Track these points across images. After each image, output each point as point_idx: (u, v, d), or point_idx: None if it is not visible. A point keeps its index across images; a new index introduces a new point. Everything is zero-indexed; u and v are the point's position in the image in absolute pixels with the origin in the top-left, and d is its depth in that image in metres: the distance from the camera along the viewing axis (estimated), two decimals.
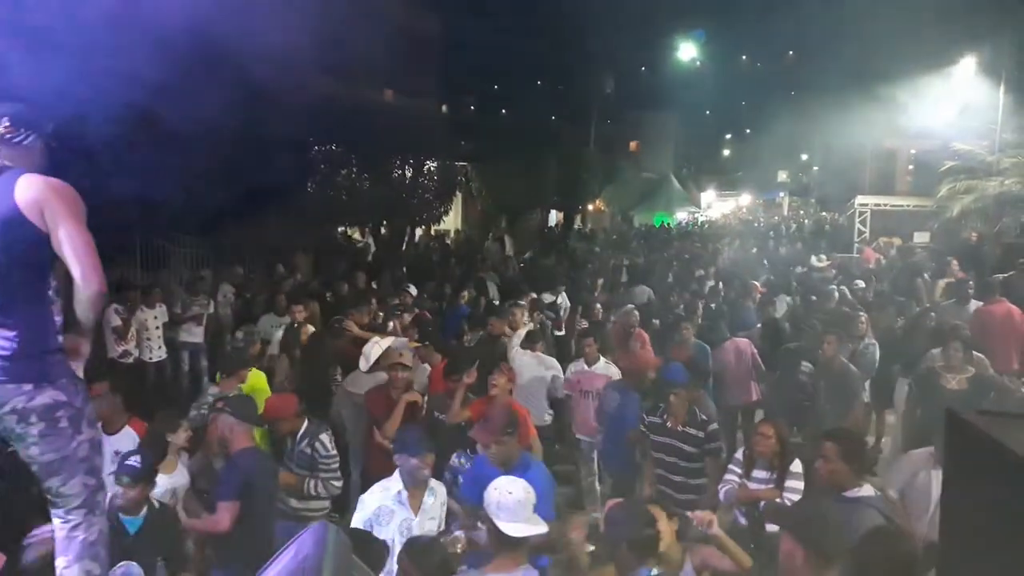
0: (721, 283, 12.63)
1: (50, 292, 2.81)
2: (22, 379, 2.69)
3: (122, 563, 3.85)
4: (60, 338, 2.84)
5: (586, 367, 7.22)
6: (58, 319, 2.85)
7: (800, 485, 4.75)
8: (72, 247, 2.70)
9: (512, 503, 3.19)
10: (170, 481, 4.83)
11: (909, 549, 3.17)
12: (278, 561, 2.22)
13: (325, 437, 5.22)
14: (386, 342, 6.56)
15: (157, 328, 9.69)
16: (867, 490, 3.94)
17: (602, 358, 7.26)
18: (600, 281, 12.79)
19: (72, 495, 2.86)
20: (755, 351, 8.04)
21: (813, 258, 16.76)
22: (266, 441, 5.52)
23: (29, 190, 2.68)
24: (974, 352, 7.05)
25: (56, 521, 2.90)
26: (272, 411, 5.15)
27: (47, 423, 2.73)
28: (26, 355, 2.70)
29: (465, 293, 10.83)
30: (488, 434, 4.35)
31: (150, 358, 9.54)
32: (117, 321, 9.16)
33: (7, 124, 2.83)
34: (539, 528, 3.23)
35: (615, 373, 7.08)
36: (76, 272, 2.72)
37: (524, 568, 3.23)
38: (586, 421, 7.07)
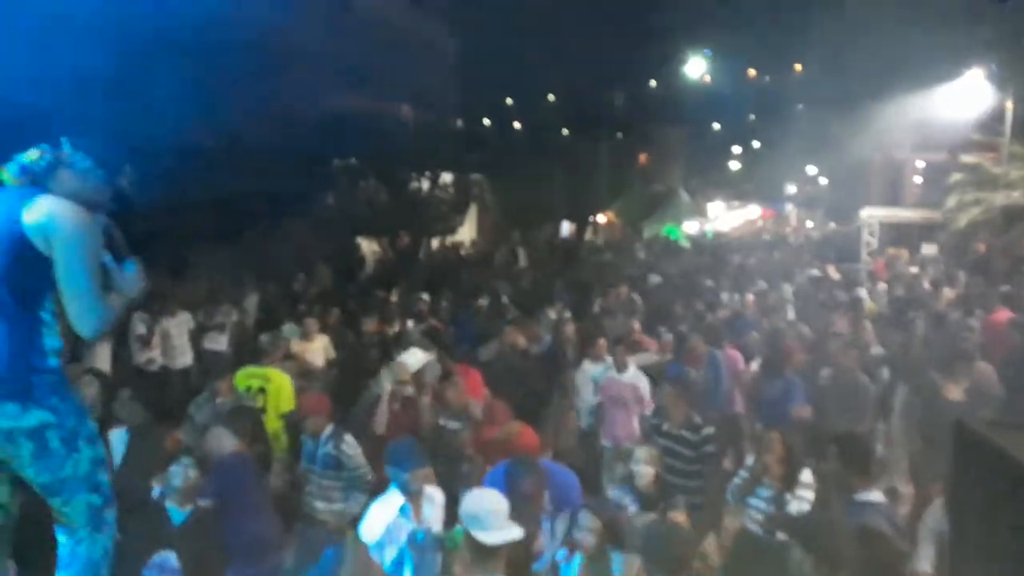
0: (728, 293, 12.67)
1: (43, 313, 2.70)
2: (5, 398, 2.60)
3: (161, 553, 3.94)
4: (53, 360, 2.71)
5: (616, 375, 7.22)
6: (56, 342, 2.74)
7: (810, 495, 4.73)
8: (67, 288, 2.64)
9: (485, 512, 3.17)
10: None
11: (897, 549, 3.30)
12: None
13: (349, 438, 5.23)
14: (422, 356, 6.46)
15: (181, 335, 9.93)
16: (875, 496, 4.02)
17: (632, 366, 7.25)
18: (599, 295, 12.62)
19: (75, 514, 2.78)
20: (742, 362, 7.89)
21: (830, 268, 16.46)
22: (285, 439, 5.72)
23: (38, 212, 2.61)
24: (979, 363, 6.95)
25: (61, 538, 2.84)
26: (306, 408, 5.32)
27: (36, 445, 2.64)
28: (9, 375, 2.60)
29: (481, 302, 10.75)
30: None
31: (175, 365, 9.75)
32: (142, 329, 9.41)
33: (68, 149, 2.82)
34: (514, 534, 3.20)
35: (644, 383, 7.10)
36: (69, 315, 2.67)
37: None
38: (613, 428, 7.05)
